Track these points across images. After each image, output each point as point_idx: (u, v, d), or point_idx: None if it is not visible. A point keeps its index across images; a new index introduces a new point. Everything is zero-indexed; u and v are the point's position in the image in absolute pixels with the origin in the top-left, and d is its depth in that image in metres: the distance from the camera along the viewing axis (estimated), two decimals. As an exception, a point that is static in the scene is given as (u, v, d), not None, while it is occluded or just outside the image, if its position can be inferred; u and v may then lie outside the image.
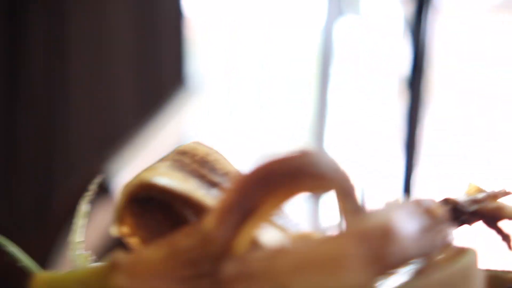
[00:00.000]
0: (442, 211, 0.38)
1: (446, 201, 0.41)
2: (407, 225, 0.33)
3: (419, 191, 1.61)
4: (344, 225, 0.32)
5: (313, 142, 1.85)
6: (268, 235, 0.35)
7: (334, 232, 0.36)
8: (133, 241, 0.40)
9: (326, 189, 0.32)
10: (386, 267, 0.31)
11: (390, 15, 1.80)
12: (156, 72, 1.63)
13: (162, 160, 0.40)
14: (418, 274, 0.34)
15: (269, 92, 2.01)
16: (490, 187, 0.44)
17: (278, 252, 0.31)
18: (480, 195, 0.43)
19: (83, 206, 0.44)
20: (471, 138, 1.81)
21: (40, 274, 0.36)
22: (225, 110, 2.00)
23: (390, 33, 1.79)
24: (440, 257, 0.36)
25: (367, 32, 1.88)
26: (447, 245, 0.37)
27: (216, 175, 0.40)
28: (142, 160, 1.43)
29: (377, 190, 1.77)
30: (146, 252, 0.35)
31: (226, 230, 0.33)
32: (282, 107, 1.99)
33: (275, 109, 2.00)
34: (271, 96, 2.00)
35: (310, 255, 0.30)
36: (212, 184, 0.40)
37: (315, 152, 0.32)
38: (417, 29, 1.52)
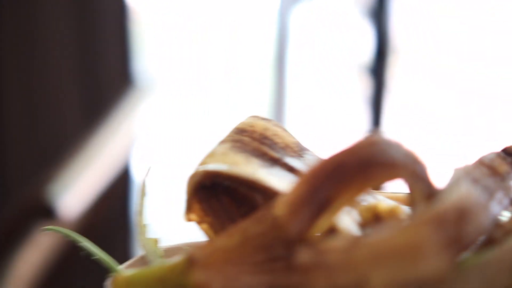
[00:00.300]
0: (506, 167, 0.38)
1: (508, 152, 0.40)
2: (481, 198, 0.32)
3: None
4: (418, 210, 0.32)
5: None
6: (345, 219, 0.34)
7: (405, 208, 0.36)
8: (203, 227, 0.40)
9: (399, 176, 0.32)
10: (465, 248, 0.31)
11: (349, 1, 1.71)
12: (101, 72, 1.41)
13: (222, 141, 0.40)
14: (490, 243, 0.33)
15: (224, 87, 1.90)
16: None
17: (355, 243, 0.31)
18: None
19: (144, 186, 0.44)
20: (435, 126, 1.74)
21: (119, 273, 0.36)
22: (178, 108, 1.87)
23: (349, 19, 1.70)
24: (508, 220, 0.35)
25: (325, 19, 1.78)
26: None
27: (276, 150, 0.40)
28: (91, 175, 1.24)
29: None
30: (218, 242, 0.35)
31: (300, 222, 0.33)
32: (239, 101, 1.89)
33: (231, 104, 1.90)
34: (227, 91, 1.90)
35: (387, 246, 0.30)
36: (274, 161, 0.39)
37: (383, 139, 0.31)
38: (380, 13, 1.44)
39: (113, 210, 1.41)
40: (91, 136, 1.29)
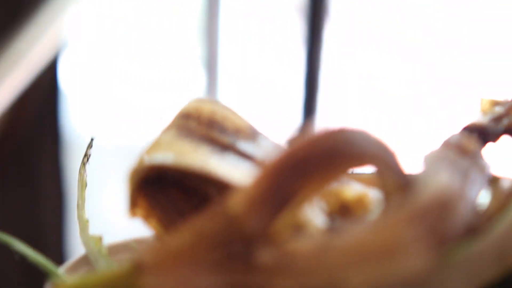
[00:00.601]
0: (474, 144, 0.34)
1: (470, 129, 0.36)
2: (459, 185, 0.28)
3: (321, 113, 1.47)
4: (393, 203, 0.28)
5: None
6: (309, 211, 0.30)
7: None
8: (150, 223, 0.35)
9: (368, 166, 0.28)
10: (447, 241, 0.27)
11: None
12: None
13: (166, 128, 0.35)
14: (472, 233, 0.29)
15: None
16: (503, 97, 0.39)
17: (325, 246, 0.27)
18: (499, 109, 0.38)
19: (83, 175, 0.39)
20: (374, 55, 1.67)
21: (61, 282, 0.31)
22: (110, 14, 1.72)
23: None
24: (489, 205, 0.31)
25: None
26: (489, 180, 0.33)
27: (226, 135, 0.35)
28: (11, 80, 1.12)
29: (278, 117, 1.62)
30: (169, 242, 0.31)
31: (259, 219, 0.28)
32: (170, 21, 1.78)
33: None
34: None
35: (363, 246, 0.26)
36: (225, 147, 0.35)
37: (349, 129, 0.27)
38: None
39: (38, 118, 1.31)
40: (11, 40, 1.17)
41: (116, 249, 0.38)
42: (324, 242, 0.27)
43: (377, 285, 0.26)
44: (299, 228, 0.30)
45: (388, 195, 0.28)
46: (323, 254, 0.26)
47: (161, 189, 0.35)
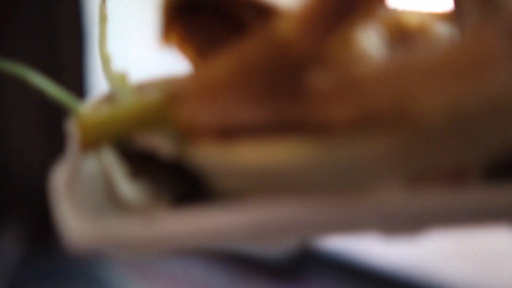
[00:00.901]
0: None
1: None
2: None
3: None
4: (474, 18, 0.24)
5: None
6: (367, 34, 0.26)
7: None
8: (185, 51, 0.31)
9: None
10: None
11: None
12: None
13: None
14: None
15: None
16: None
17: (398, 64, 0.23)
18: None
19: (103, 8, 0.35)
20: None
21: (85, 116, 0.28)
22: None
23: None
24: None
25: None
26: None
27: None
28: None
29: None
30: (208, 70, 0.27)
31: (311, 41, 0.24)
32: None
33: None
34: None
35: (445, 61, 0.22)
36: None
37: None
38: None
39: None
40: None
41: (143, 88, 0.34)
42: (395, 61, 0.23)
43: (455, 107, 0.22)
44: (355, 56, 0.26)
45: (468, 10, 0.24)
46: (393, 74, 0.22)
47: (197, 15, 0.30)
